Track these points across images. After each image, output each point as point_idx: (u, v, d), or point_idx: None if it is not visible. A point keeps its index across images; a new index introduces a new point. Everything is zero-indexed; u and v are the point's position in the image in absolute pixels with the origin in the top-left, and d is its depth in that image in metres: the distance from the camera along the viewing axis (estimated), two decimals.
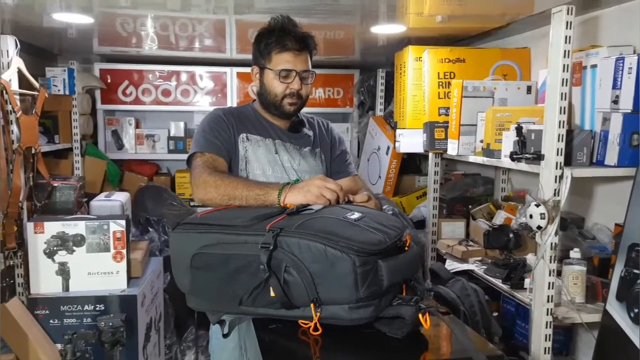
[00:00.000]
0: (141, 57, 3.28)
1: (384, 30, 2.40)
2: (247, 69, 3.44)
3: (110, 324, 1.98)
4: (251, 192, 1.44)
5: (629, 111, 1.59)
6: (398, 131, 2.61)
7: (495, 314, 2.20)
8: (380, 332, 1.11)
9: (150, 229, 3.10)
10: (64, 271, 2.04)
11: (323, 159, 1.74)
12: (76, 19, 2.23)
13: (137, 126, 3.59)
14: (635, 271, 1.52)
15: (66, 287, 2.04)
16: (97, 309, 2.02)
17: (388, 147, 2.99)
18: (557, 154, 1.58)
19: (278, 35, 1.60)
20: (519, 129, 1.74)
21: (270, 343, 1.12)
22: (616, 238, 1.69)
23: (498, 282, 1.93)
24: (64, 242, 2.03)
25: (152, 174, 3.61)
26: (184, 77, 3.49)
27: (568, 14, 1.54)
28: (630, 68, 1.59)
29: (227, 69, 3.50)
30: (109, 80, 3.41)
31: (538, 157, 1.64)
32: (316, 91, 3.59)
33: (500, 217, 2.29)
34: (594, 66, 1.72)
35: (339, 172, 1.77)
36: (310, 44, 1.63)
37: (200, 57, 3.30)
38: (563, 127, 1.58)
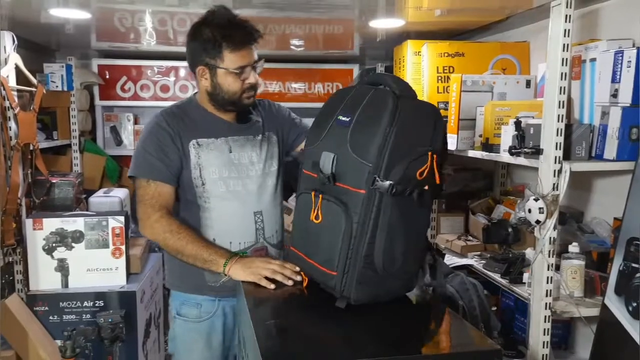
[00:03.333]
0: (139, 53, 3.27)
1: (382, 24, 2.39)
2: None
3: (110, 320, 1.99)
4: (199, 254, 1.50)
5: (628, 105, 1.58)
6: None
7: (494, 308, 2.20)
8: (380, 324, 1.11)
9: None
10: (63, 267, 2.04)
11: (275, 140, 1.72)
12: (73, 14, 2.22)
13: (136, 122, 3.58)
14: (634, 265, 1.52)
15: (65, 284, 2.05)
16: (97, 305, 2.03)
17: None
18: (556, 148, 1.57)
19: (226, 33, 1.52)
20: (517, 123, 1.73)
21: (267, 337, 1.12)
22: (615, 232, 1.68)
23: (497, 277, 1.93)
24: (63, 239, 2.03)
25: None
26: (182, 73, 3.48)
27: (567, 7, 1.53)
28: (630, 62, 1.58)
29: None
30: (107, 76, 3.40)
31: (537, 152, 1.63)
32: (315, 86, 3.58)
33: (499, 212, 2.28)
34: (593, 60, 1.71)
35: (299, 133, 1.77)
36: (256, 33, 1.57)
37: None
38: (562, 121, 1.57)
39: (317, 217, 1.23)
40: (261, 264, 1.44)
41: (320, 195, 1.22)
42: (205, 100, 1.64)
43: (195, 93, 1.70)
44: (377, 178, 1.14)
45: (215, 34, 1.53)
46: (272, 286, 1.37)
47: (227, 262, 1.47)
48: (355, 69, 3.56)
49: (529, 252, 1.90)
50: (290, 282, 1.37)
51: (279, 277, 1.38)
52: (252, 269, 1.43)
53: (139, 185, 1.58)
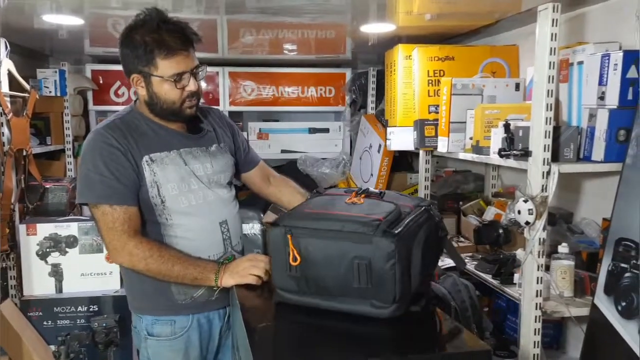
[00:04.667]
0: None
1: (374, 29, 2.41)
2: (240, 69, 3.49)
3: (104, 324, 2.00)
4: (187, 274, 1.43)
5: (615, 107, 1.60)
6: (389, 129, 2.63)
7: (486, 309, 2.22)
8: (371, 326, 1.12)
9: None
10: (57, 272, 2.04)
11: (228, 152, 1.66)
12: (66, 20, 2.23)
13: None
14: (623, 265, 1.54)
15: (59, 289, 2.05)
16: (91, 309, 2.03)
17: (379, 145, 3.00)
18: (544, 150, 1.59)
19: (157, 38, 1.40)
20: (506, 126, 1.75)
21: (260, 340, 1.13)
22: (604, 232, 1.71)
23: (488, 278, 1.94)
24: (57, 244, 2.04)
25: None
26: None
27: (554, 11, 1.56)
28: (616, 64, 1.60)
29: (219, 69, 3.50)
30: (100, 82, 3.40)
31: (526, 154, 1.65)
32: (308, 90, 3.60)
33: (490, 213, 2.30)
34: (580, 63, 1.73)
35: (249, 163, 1.75)
36: (192, 36, 1.45)
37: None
38: (550, 123, 1.59)
39: None
40: (248, 263, 1.43)
41: None
42: (146, 110, 1.51)
43: (135, 101, 1.56)
44: None
45: (146, 40, 1.40)
46: (259, 282, 1.38)
47: (217, 276, 1.43)
48: (348, 73, 3.58)
49: (519, 253, 1.91)
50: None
51: (262, 272, 1.40)
52: (240, 272, 1.41)
53: (102, 212, 1.41)
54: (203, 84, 1.55)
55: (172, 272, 1.43)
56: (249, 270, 1.41)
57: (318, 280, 1.16)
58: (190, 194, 1.50)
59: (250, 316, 1.23)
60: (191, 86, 1.46)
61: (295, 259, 1.16)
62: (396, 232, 1.10)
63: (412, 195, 1.67)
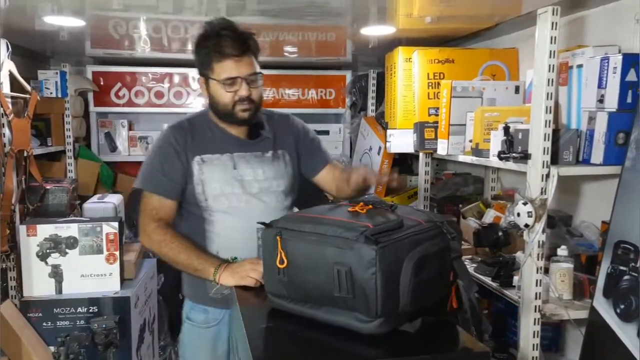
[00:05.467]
0: (134, 60, 3.29)
1: (374, 31, 2.42)
2: None
3: (104, 325, 2.00)
4: (190, 264, 1.53)
5: (614, 110, 1.61)
6: (389, 131, 2.63)
7: (486, 311, 2.22)
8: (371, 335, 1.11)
9: None
10: (56, 274, 2.04)
11: (288, 159, 1.68)
12: (68, 22, 2.24)
13: (131, 128, 3.59)
14: (622, 268, 1.55)
15: (59, 290, 2.04)
16: (91, 311, 2.02)
17: (379, 148, 3.00)
18: (544, 153, 1.60)
19: (214, 42, 1.52)
20: (506, 129, 1.76)
21: (261, 342, 1.13)
22: (603, 235, 1.71)
23: (488, 280, 1.95)
24: (57, 245, 2.03)
25: None
26: (176, 79, 3.50)
27: (553, 14, 1.57)
28: (615, 68, 1.61)
29: None
30: (101, 83, 3.42)
31: (525, 156, 1.66)
32: (309, 92, 3.61)
33: (489, 216, 2.31)
34: (580, 66, 1.74)
35: (315, 166, 1.73)
36: (251, 45, 1.55)
37: (193, 59, 3.30)
38: (549, 126, 1.60)
39: None
40: (249, 265, 1.45)
41: None
42: (212, 113, 1.63)
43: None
44: None
45: (207, 44, 1.54)
46: (257, 284, 1.39)
47: (216, 270, 1.48)
48: (348, 75, 3.59)
49: (519, 256, 1.92)
50: None
51: (259, 277, 1.40)
52: (240, 273, 1.43)
53: (143, 196, 1.62)
54: (258, 91, 1.62)
55: (178, 259, 1.54)
56: (248, 272, 1.43)
57: (303, 286, 1.14)
58: (232, 196, 1.59)
59: (250, 319, 1.24)
60: (242, 91, 1.54)
61: (282, 262, 1.15)
62: (382, 240, 1.04)
63: (435, 213, 1.60)
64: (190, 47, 2.87)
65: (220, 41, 1.51)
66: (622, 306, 1.53)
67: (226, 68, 1.52)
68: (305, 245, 1.12)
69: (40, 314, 2.01)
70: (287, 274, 1.15)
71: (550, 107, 1.59)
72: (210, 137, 1.61)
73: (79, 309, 2.03)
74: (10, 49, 2.32)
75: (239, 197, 1.59)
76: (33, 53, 3.07)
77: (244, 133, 1.64)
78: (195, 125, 1.63)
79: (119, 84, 3.43)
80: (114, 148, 3.51)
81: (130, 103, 3.47)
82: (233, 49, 1.51)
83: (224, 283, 1.46)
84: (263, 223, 1.22)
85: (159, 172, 1.59)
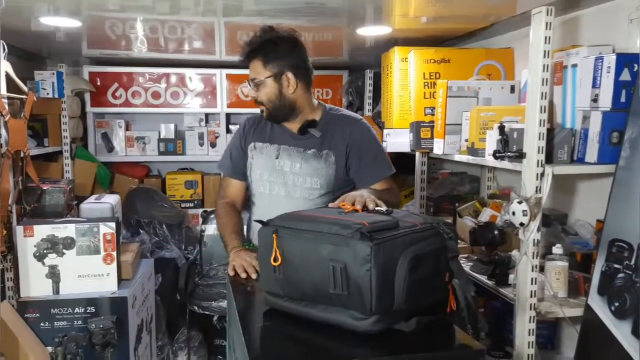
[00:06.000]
0: (130, 60, 3.29)
1: (370, 31, 2.42)
2: (237, 71, 3.51)
3: (101, 325, 2.00)
4: (223, 237, 1.74)
5: (608, 109, 1.62)
6: (385, 131, 2.64)
7: (482, 310, 2.23)
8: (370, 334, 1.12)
9: (141, 231, 3.12)
10: (54, 274, 2.04)
11: (332, 160, 1.72)
12: (64, 22, 2.24)
13: (127, 128, 3.60)
14: (616, 266, 1.56)
15: (56, 290, 2.05)
16: (88, 311, 2.03)
17: None
18: (538, 152, 1.61)
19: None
20: (501, 128, 1.77)
21: (257, 342, 1.14)
22: (597, 234, 1.72)
23: (483, 279, 1.96)
24: (54, 245, 2.04)
25: (142, 176, 3.62)
26: (173, 79, 3.50)
27: (547, 14, 1.57)
28: (609, 67, 1.62)
29: (216, 71, 3.51)
30: (98, 83, 3.42)
31: (520, 155, 1.67)
32: None
33: (485, 215, 2.32)
34: (574, 65, 1.75)
35: (363, 180, 1.73)
36: (262, 49, 1.68)
37: (190, 59, 3.31)
38: (544, 125, 1.61)
39: None
40: (249, 258, 1.56)
41: None
42: None
43: None
44: None
45: None
46: (244, 275, 1.50)
47: (230, 250, 1.64)
48: (345, 75, 3.60)
49: (515, 254, 1.93)
50: (254, 275, 1.50)
51: (250, 270, 1.52)
52: (238, 260, 1.56)
53: (222, 177, 1.96)
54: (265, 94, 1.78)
55: (219, 230, 1.80)
56: (245, 262, 1.53)
57: (298, 284, 1.15)
58: (268, 183, 1.76)
59: (247, 316, 1.24)
60: (250, 92, 1.76)
61: (276, 259, 1.16)
62: (377, 237, 1.05)
63: (431, 216, 1.63)
64: (186, 47, 2.88)
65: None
66: (616, 304, 1.54)
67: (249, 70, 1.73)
68: (301, 243, 1.14)
69: (37, 315, 2.02)
70: (283, 272, 1.17)
71: (545, 106, 1.60)
72: (267, 128, 1.80)
73: (77, 309, 2.03)
74: (6, 49, 2.31)
75: (273, 184, 1.75)
76: (29, 53, 3.07)
77: (297, 128, 1.76)
78: (262, 118, 1.81)
79: (115, 84, 3.43)
80: (110, 148, 3.51)
81: (127, 103, 3.47)
82: (243, 54, 1.72)
83: (230, 260, 1.60)
84: (260, 221, 1.24)
85: (228, 154, 1.86)
